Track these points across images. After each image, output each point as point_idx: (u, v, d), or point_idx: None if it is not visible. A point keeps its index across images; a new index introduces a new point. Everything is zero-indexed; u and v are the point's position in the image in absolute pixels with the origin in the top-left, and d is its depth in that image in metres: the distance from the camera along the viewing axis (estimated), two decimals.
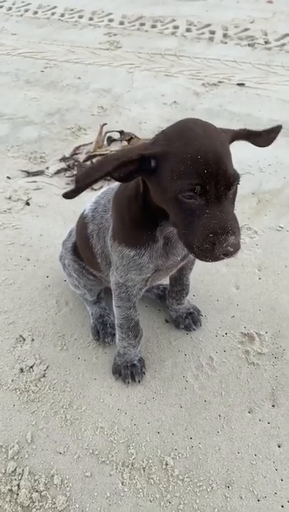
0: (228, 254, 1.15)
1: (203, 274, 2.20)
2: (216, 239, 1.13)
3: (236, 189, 1.23)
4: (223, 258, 1.17)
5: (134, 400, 1.73)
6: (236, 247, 1.15)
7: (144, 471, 1.53)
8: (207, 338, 1.94)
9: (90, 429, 1.65)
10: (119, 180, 1.22)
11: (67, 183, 2.85)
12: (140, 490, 1.49)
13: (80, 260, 1.85)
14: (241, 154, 3.03)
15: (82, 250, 1.81)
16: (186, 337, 1.94)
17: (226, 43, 4.80)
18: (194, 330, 1.95)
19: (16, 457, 1.58)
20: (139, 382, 1.77)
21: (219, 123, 3.37)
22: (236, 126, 3.32)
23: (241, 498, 1.47)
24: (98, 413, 1.69)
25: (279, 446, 1.59)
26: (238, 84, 3.96)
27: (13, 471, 1.54)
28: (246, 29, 5.06)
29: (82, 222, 1.72)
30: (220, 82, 4.03)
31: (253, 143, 1.38)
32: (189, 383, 1.78)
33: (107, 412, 1.70)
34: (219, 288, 2.14)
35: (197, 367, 1.83)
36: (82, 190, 1.18)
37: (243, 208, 2.60)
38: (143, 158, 1.17)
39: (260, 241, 2.39)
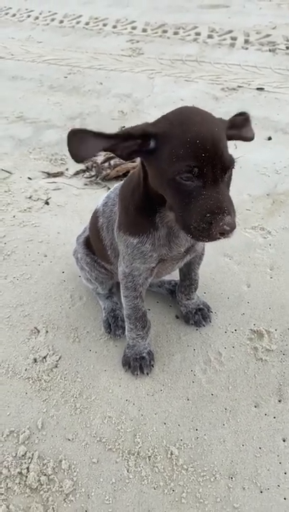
0: (224, 233, 1.19)
1: (214, 273, 2.23)
2: (213, 218, 1.18)
3: (231, 173, 1.28)
4: (219, 238, 1.21)
5: (143, 392, 1.77)
6: (232, 226, 1.18)
7: (149, 459, 1.57)
8: (216, 334, 1.96)
9: (99, 417, 1.70)
10: (120, 157, 1.28)
11: (86, 184, 2.93)
12: (145, 477, 1.52)
13: (92, 254, 1.92)
14: (257, 156, 3.06)
15: (94, 243, 1.88)
16: (195, 333, 1.97)
17: (246, 48, 4.83)
18: (204, 326, 1.98)
19: (26, 442, 1.64)
20: (147, 374, 1.81)
21: None
22: (254, 129, 3.36)
23: (244, 489, 1.49)
24: (107, 403, 1.74)
25: (284, 441, 1.60)
26: (258, 89, 3.98)
27: (23, 455, 1.59)
28: (268, 35, 5.08)
29: (94, 216, 1.80)
30: (239, 86, 4.06)
31: (243, 137, 1.42)
32: (197, 377, 1.81)
33: (115, 402, 1.74)
34: (230, 286, 2.17)
35: (205, 361, 1.86)
36: (88, 158, 1.29)
37: (257, 208, 2.62)
38: (145, 135, 1.24)
39: (274, 241, 2.40)
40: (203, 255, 1.88)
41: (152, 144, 1.25)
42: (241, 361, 1.85)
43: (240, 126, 1.40)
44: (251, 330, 1.96)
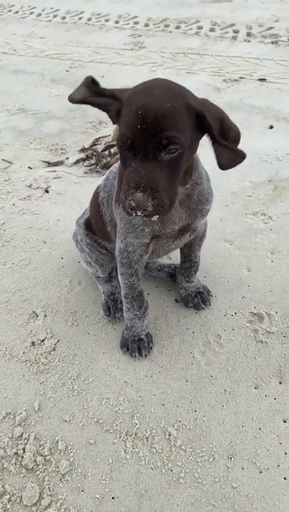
0: (133, 210, 1.19)
1: (214, 257, 2.21)
2: (127, 191, 1.18)
3: (177, 156, 1.20)
4: (130, 212, 1.21)
5: (141, 373, 1.75)
6: (140, 204, 1.16)
7: (147, 440, 1.55)
8: (216, 317, 1.94)
9: (96, 399, 1.67)
10: (109, 114, 1.32)
11: (86, 172, 2.91)
12: (142, 458, 1.50)
13: (92, 234, 1.90)
14: (259, 144, 3.04)
15: (94, 220, 1.87)
16: (195, 316, 1.95)
17: (249, 41, 4.81)
18: (203, 309, 1.95)
19: (22, 423, 1.62)
20: (145, 356, 1.79)
21: (239, 116, 3.40)
22: (256, 118, 3.36)
23: (243, 469, 1.46)
24: (105, 385, 1.72)
25: (285, 422, 1.58)
26: (260, 80, 3.95)
27: (19, 436, 1.57)
28: (270, 27, 5.06)
29: (95, 192, 1.80)
30: (241, 77, 4.04)
31: (216, 154, 1.25)
32: (196, 359, 1.78)
33: (113, 384, 1.72)
34: (230, 270, 2.14)
35: (205, 344, 1.83)
36: (74, 100, 1.32)
37: (258, 195, 2.60)
38: (114, 98, 1.27)
39: (275, 226, 2.37)
40: (204, 237, 1.85)
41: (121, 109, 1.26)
42: (241, 343, 1.83)
43: (218, 141, 1.24)
44: (251, 313, 1.94)
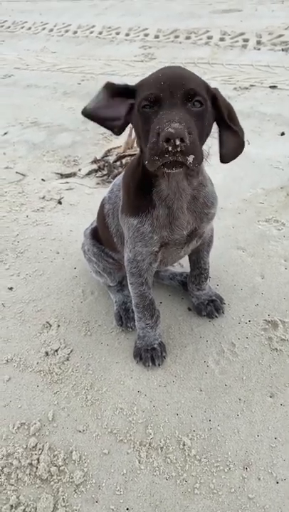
0: (170, 140, 1.13)
1: (227, 265, 2.20)
2: (161, 128, 1.16)
3: (202, 111, 1.23)
4: (167, 149, 1.14)
5: (155, 383, 1.74)
6: (178, 131, 1.12)
7: (161, 450, 1.53)
8: (230, 325, 1.92)
9: (110, 409, 1.67)
10: (114, 130, 1.38)
11: (98, 183, 2.94)
12: (157, 468, 1.49)
13: (99, 243, 1.91)
14: (270, 151, 3.03)
15: (100, 231, 1.88)
16: (208, 324, 1.94)
17: (259, 49, 4.82)
18: (216, 317, 1.94)
19: (37, 434, 1.62)
20: (159, 365, 1.78)
21: (250, 123, 3.40)
22: (267, 125, 3.35)
23: (259, 479, 1.43)
24: (118, 395, 1.71)
25: None
26: (270, 87, 3.95)
27: (33, 447, 1.57)
28: (280, 35, 5.07)
29: (101, 204, 1.81)
30: (252, 85, 4.04)
31: (222, 141, 1.36)
32: (210, 368, 1.77)
33: (127, 394, 1.71)
34: (244, 277, 2.13)
35: (218, 352, 1.82)
36: (91, 115, 1.35)
37: (271, 201, 2.58)
38: (128, 90, 1.32)
39: (288, 233, 2.35)
40: (212, 242, 1.85)
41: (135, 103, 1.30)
42: (255, 351, 1.81)
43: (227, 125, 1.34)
44: (265, 320, 1.91)
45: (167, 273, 2.11)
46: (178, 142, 1.13)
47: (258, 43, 4.98)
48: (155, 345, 1.79)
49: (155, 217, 1.49)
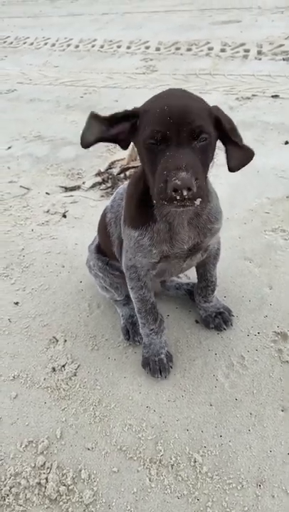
0: (177, 190, 1.15)
1: (234, 276, 2.17)
2: (168, 175, 1.17)
3: (207, 145, 1.25)
4: (175, 197, 1.17)
5: (164, 398, 1.71)
6: (185, 182, 1.14)
7: (172, 467, 1.50)
8: (238, 337, 1.89)
9: (119, 426, 1.64)
10: (121, 146, 1.37)
11: (102, 196, 2.93)
12: (168, 486, 1.45)
13: (103, 256, 1.91)
14: (274, 161, 3.01)
15: (102, 241, 1.89)
16: (216, 337, 1.91)
17: (260, 59, 4.84)
18: (225, 329, 1.91)
19: (45, 452, 1.59)
20: (165, 377, 1.75)
21: (253, 133, 3.39)
22: (270, 134, 3.35)
23: (273, 497, 1.40)
24: (127, 410, 1.69)
25: None
26: (273, 96, 3.96)
27: (42, 465, 1.55)
28: (281, 45, 5.09)
29: (103, 213, 1.83)
30: (254, 95, 4.05)
31: (228, 158, 1.37)
32: (220, 382, 1.74)
33: (135, 410, 1.68)
34: (251, 288, 2.10)
35: (228, 366, 1.79)
36: (89, 142, 1.35)
37: (276, 211, 2.57)
38: (129, 115, 1.31)
39: None
40: (218, 255, 1.83)
41: (138, 122, 1.30)
42: (266, 364, 1.78)
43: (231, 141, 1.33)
44: (275, 332, 1.89)
45: (173, 283, 2.10)
46: (185, 193, 1.16)
47: (259, 53, 5.00)
48: (162, 356, 1.77)
49: (155, 231, 1.48)
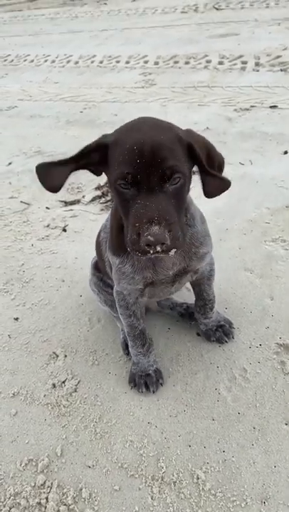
0: (151, 245, 1.12)
1: (235, 288, 2.15)
2: (140, 228, 1.13)
3: (180, 186, 1.20)
4: (148, 251, 1.15)
5: (165, 413, 1.69)
6: (157, 238, 1.11)
7: (174, 485, 1.47)
8: (240, 349, 1.87)
9: (120, 442, 1.61)
10: (93, 173, 1.33)
11: (102, 209, 2.93)
12: (170, 504, 1.42)
13: (98, 272, 1.91)
14: (274, 171, 3.01)
15: (98, 258, 1.89)
16: (218, 349, 1.89)
17: (258, 70, 4.87)
18: (226, 342, 1.89)
19: (45, 471, 1.56)
20: (153, 392, 1.74)
21: (252, 144, 3.39)
22: (269, 145, 3.35)
23: None
24: (128, 427, 1.66)
25: None
26: (271, 107, 3.97)
27: (42, 484, 1.52)
28: (278, 56, 5.12)
29: (99, 231, 1.82)
30: (252, 106, 4.06)
31: (203, 185, 1.28)
32: (222, 395, 1.71)
33: (137, 426, 1.66)
34: (252, 300, 2.08)
35: (230, 379, 1.76)
36: (60, 185, 1.29)
37: (277, 221, 2.55)
38: (99, 147, 1.24)
39: None
40: (212, 276, 1.79)
41: (108, 154, 1.24)
42: (268, 377, 1.75)
43: (205, 170, 1.26)
44: (277, 344, 1.86)
45: (168, 302, 2.07)
46: (158, 248, 1.14)
47: (257, 64, 5.04)
48: (150, 372, 1.76)
49: (136, 259, 1.45)
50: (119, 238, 1.44)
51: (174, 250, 1.20)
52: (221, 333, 1.89)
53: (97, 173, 1.34)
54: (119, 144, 1.19)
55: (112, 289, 1.87)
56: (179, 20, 7.60)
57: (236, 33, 6.31)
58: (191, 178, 1.30)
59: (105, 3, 10.53)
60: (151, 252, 1.16)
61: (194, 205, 1.53)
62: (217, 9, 7.89)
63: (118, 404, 1.74)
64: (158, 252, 1.16)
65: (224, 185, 1.29)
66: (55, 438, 1.66)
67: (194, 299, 1.89)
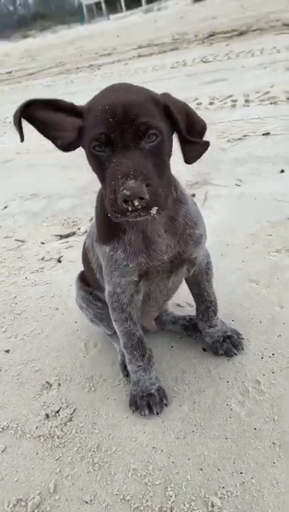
0: (128, 201, 1.04)
1: (241, 299, 1.99)
2: (116, 185, 1.05)
3: (158, 144, 1.13)
4: (127, 208, 1.06)
5: (172, 436, 1.48)
6: (135, 191, 1.03)
7: None
8: (251, 361, 1.68)
9: (121, 472, 1.40)
10: (62, 148, 1.26)
11: None
12: None
13: (86, 286, 1.80)
14: (272, 189, 2.93)
15: (85, 270, 1.79)
16: (227, 363, 1.70)
17: (248, 106, 4.95)
18: (235, 354, 1.71)
19: (36, 510, 1.35)
20: (157, 414, 1.55)
21: (248, 167, 3.32)
22: (265, 166, 3.29)
23: None
24: (130, 454, 1.45)
25: None
26: (264, 134, 3.97)
27: None
28: (267, 92, 5.22)
29: (83, 242, 1.73)
30: (245, 135, 4.07)
31: (183, 150, 1.23)
32: (234, 411, 1.51)
33: (140, 452, 1.45)
34: (261, 309, 1.91)
35: (242, 393, 1.57)
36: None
37: (278, 232, 2.43)
38: (73, 111, 1.19)
39: None
40: (211, 270, 1.67)
41: (83, 123, 1.18)
42: (284, 387, 1.55)
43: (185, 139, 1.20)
44: None
45: (169, 317, 1.92)
46: (136, 203, 1.05)
47: (247, 101, 5.13)
48: (152, 391, 1.57)
49: (128, 242, 1.35)
50: (105, 224, 1.36)
51: (155, 209, 1.10)
52: (229, 344, 1.71)
53: (68, 147, 1.27)
54: (92, 109, 1.14)
55: (101, 302, 1.73)
56: (169, 74, 7.93)
57: (225, 78, 6.52)
58: (171, 140, 1.21)
59: (99, 69, 11.13)
60: (130, 209, 1.06)
61: (182, 187, 1.44)
62: (205, 62, 8.24)
63: (118, 431, 1.54)
64: (138, 209, 1.06)
65: (202, 148, 1.24)
66: (48, 472, 1.45)
67: (195, 307, 1.74)
